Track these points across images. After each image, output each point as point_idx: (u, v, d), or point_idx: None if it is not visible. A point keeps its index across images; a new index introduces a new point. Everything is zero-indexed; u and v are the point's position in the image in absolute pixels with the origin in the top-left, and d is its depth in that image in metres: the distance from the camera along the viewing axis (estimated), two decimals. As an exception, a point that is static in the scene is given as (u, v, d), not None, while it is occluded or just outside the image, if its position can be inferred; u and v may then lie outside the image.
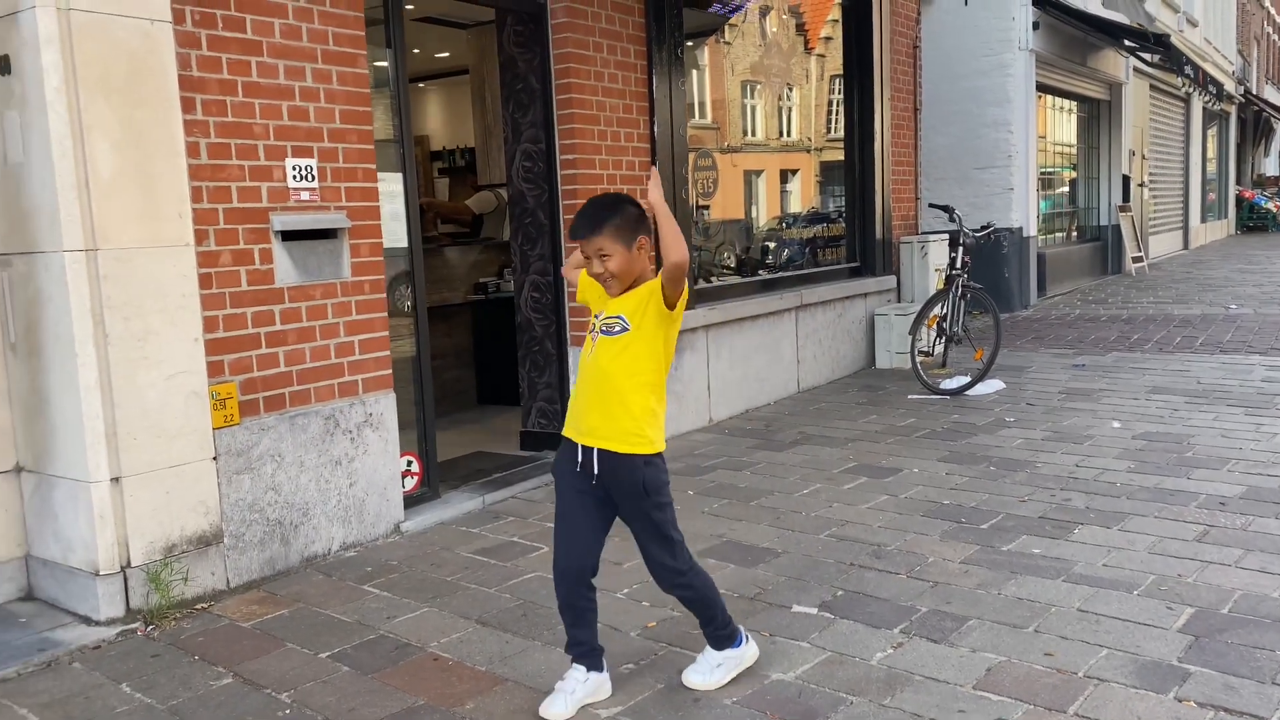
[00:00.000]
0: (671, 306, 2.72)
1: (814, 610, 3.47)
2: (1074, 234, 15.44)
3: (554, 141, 5.46)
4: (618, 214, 2.75)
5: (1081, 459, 5.27)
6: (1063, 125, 14.88)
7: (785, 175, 8.86)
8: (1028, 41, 11.59)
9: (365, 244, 4.32)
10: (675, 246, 2.65)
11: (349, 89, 4.24)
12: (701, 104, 7.33)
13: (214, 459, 3.78)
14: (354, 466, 4.29)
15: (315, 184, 4.11)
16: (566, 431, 2.86)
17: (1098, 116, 15.70)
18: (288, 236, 4.02)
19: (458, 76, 9.09)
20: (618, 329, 2.75)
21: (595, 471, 2.77)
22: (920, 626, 3.30)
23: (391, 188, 4.57)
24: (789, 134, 8.58)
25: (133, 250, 3.53)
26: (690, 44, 6.64)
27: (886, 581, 3.70)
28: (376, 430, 4.38)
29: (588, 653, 2.86)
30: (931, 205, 7.83)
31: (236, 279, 3.87)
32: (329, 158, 4.17)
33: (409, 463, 4.69)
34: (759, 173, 8.53)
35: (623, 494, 2.79)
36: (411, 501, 4.67)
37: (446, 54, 9.18)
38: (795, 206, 8.92)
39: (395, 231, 4.62)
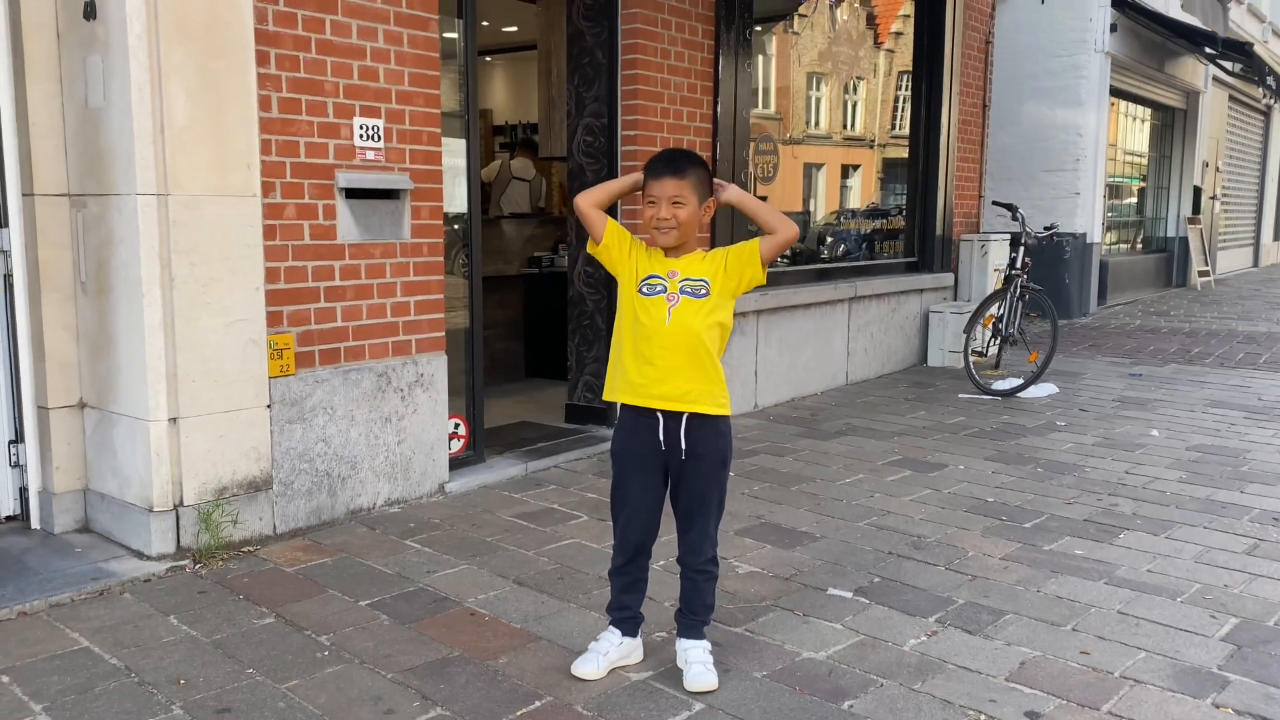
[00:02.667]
0: (763, 279, 2.78)
1: (849, 594, 3.47)
2: (1139, 244, 15.13)
3: (616, 117, 5.47)
4: (701, 166, 2.76)
5: (1132, 466, 5.18)
6: (1134, 132, 14.56)
7: (846, 170, 8.79)
8: (1104, 44, 11.35)
9: (426, 207, 4.38)
10: (786, 222, 2.79)
11: (418, 52, 4.29)
12: (766, 92, 7.29)
13: (268, 407, 3.87)
14: (403, 425, 4.36)
15: (381, 144, 4.17)
16: (638, 400, 2.74)
17: (1172, 125, 15.34)
18: (351, 194, 4.08)
19: (524, 52, 9.14)
20: (703, 292, 2.72)
21: (681, 439, 2.74)
22: (956, 617, 3.28)
23: (455, 154, 4.62)
24: (852, 128, 8.50)
25: (202, 197, 3.61)
26: (759, 29, 6.61)
27: (924, 572, 3.68)
28: (427, 390, 4.44)
29: (629, 619, 2.89)
30: (995, 203, 7.73)
31: (299, 233, 3.94)
32: (395, 119, 4.22)
33: (456, 425, 4.75)
34: (819, 166, 8.46)
35: (706, 460, 2.76)
36: (457, 464, 4.73)
37: (514, 28, 9.23)
38: (854, 202, 8.82)
39: (456, 197, 4.67)
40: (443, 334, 4.51)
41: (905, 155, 8.53)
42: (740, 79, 6.02)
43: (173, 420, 3.62)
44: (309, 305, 4.00)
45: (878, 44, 8.52)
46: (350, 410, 4.15)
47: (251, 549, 3.82)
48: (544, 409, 6.24)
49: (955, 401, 6.88)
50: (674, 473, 2.80)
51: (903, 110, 8.64)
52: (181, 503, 3.68)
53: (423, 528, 4.13)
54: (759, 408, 6.56)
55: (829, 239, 8.36)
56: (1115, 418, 6.36)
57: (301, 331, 3.98)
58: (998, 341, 7.68)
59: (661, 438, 2.75)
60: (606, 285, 5.65)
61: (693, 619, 2.86)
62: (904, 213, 8.58)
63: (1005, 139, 11.44)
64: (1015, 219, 7.41)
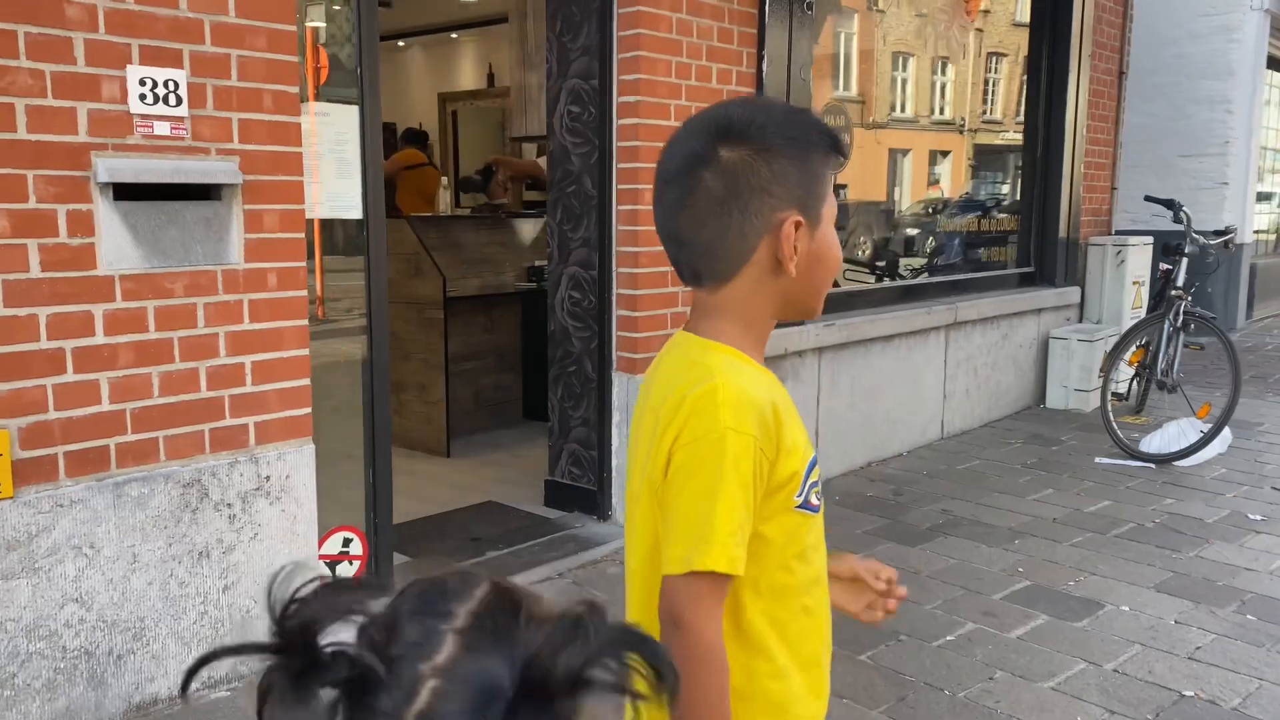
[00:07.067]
0: None
1: None
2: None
3: (611, 76, 3.77)
4: None
5: (1401, 613, 3.32)
6: (1275, 109, 12.28)
7: (934, 156, 7.06)
8: (1264, -1, 9.23)
9: (273, 211, 2.75)
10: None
11: (257, -38, 2.66)
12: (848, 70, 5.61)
13: (-41, 556, 2.29)
14: (233, 559, 2.74)
15: (183, 110, 2.55)
16: None
17: (1327, 101, 12.97)
18: (125, 193, 2.47)
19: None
20: None
21: None
22: None
23: (336, 126, 2.98)
24: (942, 111, 6.77)
25: None
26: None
27: None
28: (277, 501, 2.82)
29: None
30: (1149, 199, 5.80)
31: (20, 259, 2.34)
32: (211, 69, 2.60)
33: (346, 543, 3.13)
34: (905, 152, 6.78)
35: None
36: (347, 599, 3.11)
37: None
38: (948, 193, 7.06)
39: (341, 194, 3.04)
40: (307, 411, 2.88)
41: (998, 141, 6.68)
42: (796, 24, 4.25)
43: None
44: (42, 380, 2.40)
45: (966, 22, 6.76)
46: (130, 546, 2.55)
47: (-79, 801, 2.25)
48: (525, 477, 4.60)
49: (1092, 470, 5.03)
50: None
51: (994, 92, 6.89)
52: None
53: (243, 741, 2.52)
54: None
55: (915, 241, 6.56)
56: (1332, 505, 4.46)
57: (28, 425, 2.38)
58: (1143, 381, 5.81)
59: None
60: (597, 318, 3.96)
61: None
62: (999, 204, 6.71)
63: (1133, 118, 9.31)
64: (1177, 220, 5.50)
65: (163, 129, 2.52)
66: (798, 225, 1.14)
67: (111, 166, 2.42)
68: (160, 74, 2.50)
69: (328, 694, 0.65)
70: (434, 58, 10.20)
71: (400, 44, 10.28)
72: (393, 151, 8.33)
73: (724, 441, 1.08)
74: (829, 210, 1.19)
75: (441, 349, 5.06)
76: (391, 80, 10.61)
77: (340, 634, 0.66)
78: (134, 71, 2.46)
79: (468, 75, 9.82)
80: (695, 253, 1.17)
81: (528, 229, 6.18)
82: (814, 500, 1.19)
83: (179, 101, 2.53)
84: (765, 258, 1.15)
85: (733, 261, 1.16)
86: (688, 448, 1.09)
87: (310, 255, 3.33)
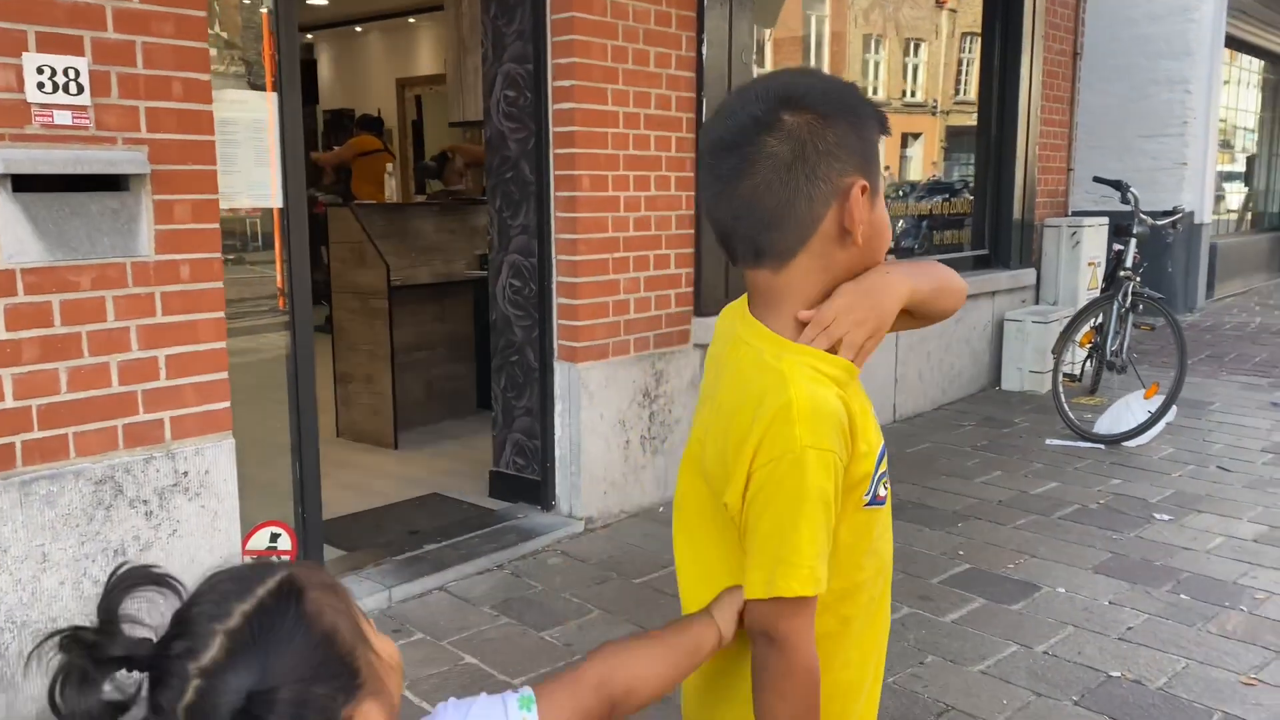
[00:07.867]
0: None
1: None
2: (1248, 221, 12.94)
3: (545, 61, 3.72)
4: None
5: (1333, 591, 3.35)
6: (1241, 90, 12.36)
7: (905, 139, 7.03)
8: (1221, -21, 9.25)
9: (185, 202, 2.69)
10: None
11: (162, -55, 2.59)
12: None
13: None
14: (151, 557, 2.69)
15: (85, 99, 2.48)
16: None
17: (1288, 81, 13.09)
18: (25, 184, 2.41)
19: None
20: None
21: None
22: None
23: (251, 113, 2.92)
24: (913, 94, 6.76)
25: None
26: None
27: None
28: (196, 497, 2.77)
29: None
30: (1097, 180, 5.81)
31: (-88, 253, 2.29)
32: (116, 57, 2.53)
33: (274, 538, 3.09)
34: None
35: None
36: (276, 594, 3.07)
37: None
38: (914, 174, 7.05)
39: (258, 183, 2.98)
40: (226, 405, 2.83)
41: (971, 122, 6.66)
42: (737, 6, 4.21)
43: None
44: (-60, 377, 2.34)
45: (940, 3, 6.73)
46: (39, 545, 2.50)
47: None
48: (474, 469, 4.55)
49: (1042, 452, 5.04)
50: None
51: (967, 72, 6.87)
52: None
53: (159, 741, 2.47)
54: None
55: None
56: (1275, 484, 4.49)
57: (-75, 423, 2.33)
58: (1095, 361, 5.82)
59: None
60: (538, 306, 3.92)
61: None
62: (968, 186, 6.71)
63: (1094, 99, 9.38)
64: (1125, 200, 5.51)
65: (64, 118, 2.45)
66: (864, 190, 1.10)
67: (7, 157, 2.36)
68: (59, 61, 2.43)
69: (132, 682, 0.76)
70: (392, 43, 10.10)
71: (358, 29, 10.17)
72: (348, 137, 8.27)
73: (803, 460, 1.04)
74: (882, 182, 1.16)
75: (387, 339, 5.01)
76: (350, 65, 10.52)
77: (139, 632, 0.73)
78: (30, 59, 2.39)
79: (425, 60, 9.73)
80: (757, 225, 1.11)
81: (480, 216, 6.11)
82: (881, 493, 1.16)
83: (80, 90, 2.47)
84: (832, 228, 1.10)
85: (800, 231, 1.10)
86: (766, 467, 1.06)
87: (270, 246, 3.28)
